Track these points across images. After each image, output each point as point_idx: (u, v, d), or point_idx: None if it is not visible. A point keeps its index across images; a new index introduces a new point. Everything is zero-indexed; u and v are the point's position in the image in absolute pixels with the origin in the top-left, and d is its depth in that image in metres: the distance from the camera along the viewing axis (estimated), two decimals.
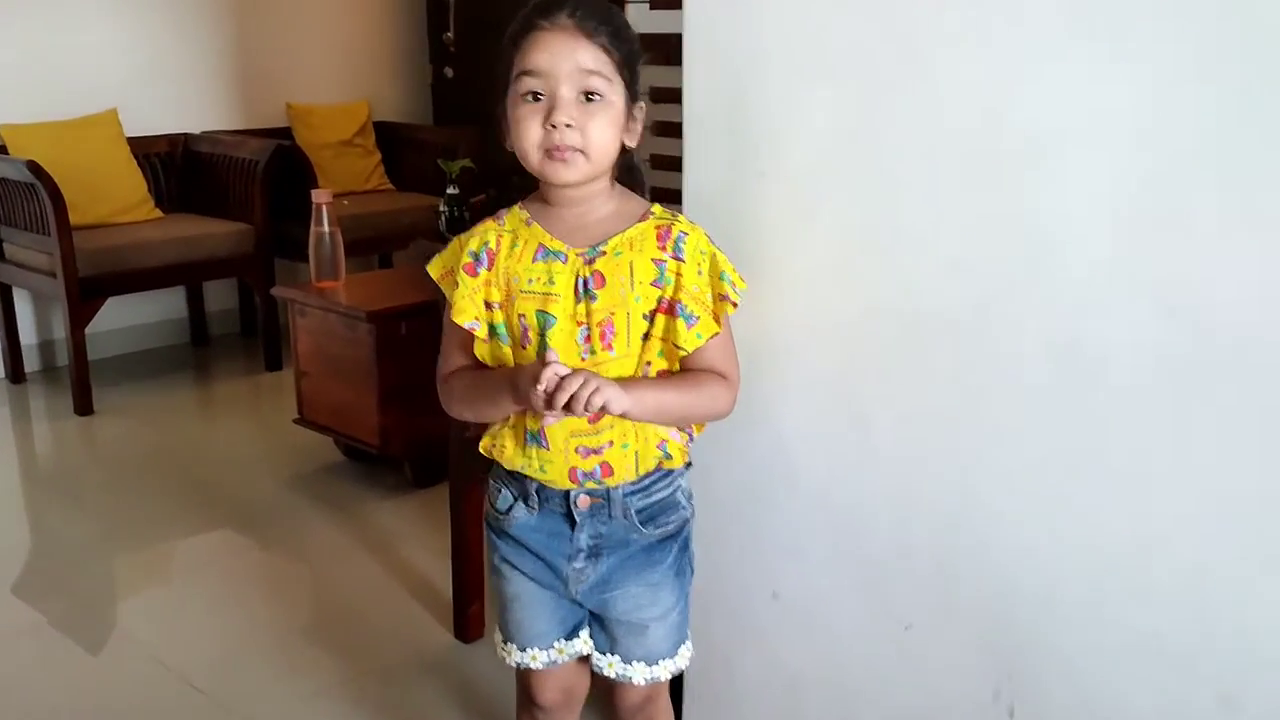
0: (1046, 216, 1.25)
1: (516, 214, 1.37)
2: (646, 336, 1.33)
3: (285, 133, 4.60)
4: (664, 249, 1.32)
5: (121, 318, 4.25)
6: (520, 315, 1.32)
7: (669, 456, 1.39)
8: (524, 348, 1.33)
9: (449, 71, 5.11)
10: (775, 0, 1.43)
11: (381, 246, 4.65)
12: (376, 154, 4.86)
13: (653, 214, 1.35)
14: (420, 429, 2.95)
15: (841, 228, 1.42)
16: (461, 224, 3.24)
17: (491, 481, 1.46)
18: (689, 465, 1.44)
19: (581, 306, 1.31)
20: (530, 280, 1.32)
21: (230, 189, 4.17)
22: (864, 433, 1.45)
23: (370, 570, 2.61)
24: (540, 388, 1.21)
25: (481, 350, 1.37)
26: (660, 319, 1.33)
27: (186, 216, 4.21)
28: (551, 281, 1.31)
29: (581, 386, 1.20)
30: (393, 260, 4.92)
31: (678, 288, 1.32)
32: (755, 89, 1.47)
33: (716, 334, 1.34)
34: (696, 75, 1.54)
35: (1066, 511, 1.29)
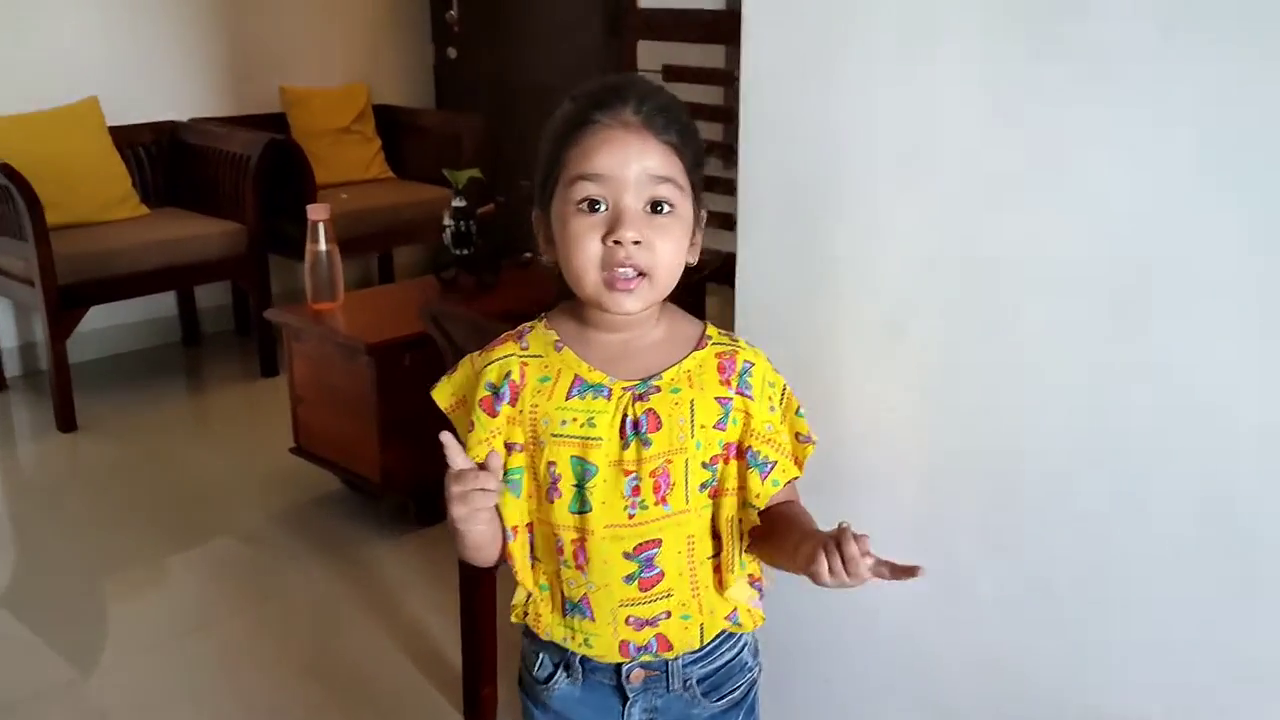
0: (1187, 359, 1.03)
1: (542, 335, 1.15)
2: (704, 486, 1.12)
3: (279, 119, 4.34)
4: (728, 384, 1.11)
5: (107, 317, 4.00)
6: (550, 463, 1.11)
7: (738, 624, 1.19)
8: (550, 500, 1.12)
9: (452, 52, 4.84)
10: (852, 69, 1.20)
11: (383, 243, 4.42)
12: (376, 141, 4.60)
13: (710, 339, 1.14)
14: (424, 465, 2.71)
15: (936, 347, 1.20)
16: (468, 239, 3.00)
17: (527, 641, 1.24)
18: None
19: (630, 452, 1.09)
20: (564, 422, 1.10)
21: (220, 184, 3.91)
22: (955, 586, 1.24)
23: (371, 632, 2.41)
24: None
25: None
26: (731, 469, 1.12)
27: (174, 212, 3.97)
28: (592, 423, 1.10)
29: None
30: (393, 258, 4.69)
31: (747, 430, 1.11)
32: (826, 173, 1.24)
33: (797, 478, 1.13)
34: (754, 156, 1.30)
35: (1205, 709, 1.09)
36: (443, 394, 1.18)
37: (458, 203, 2.99)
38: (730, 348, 1.13)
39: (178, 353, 4.24)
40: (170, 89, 4.17)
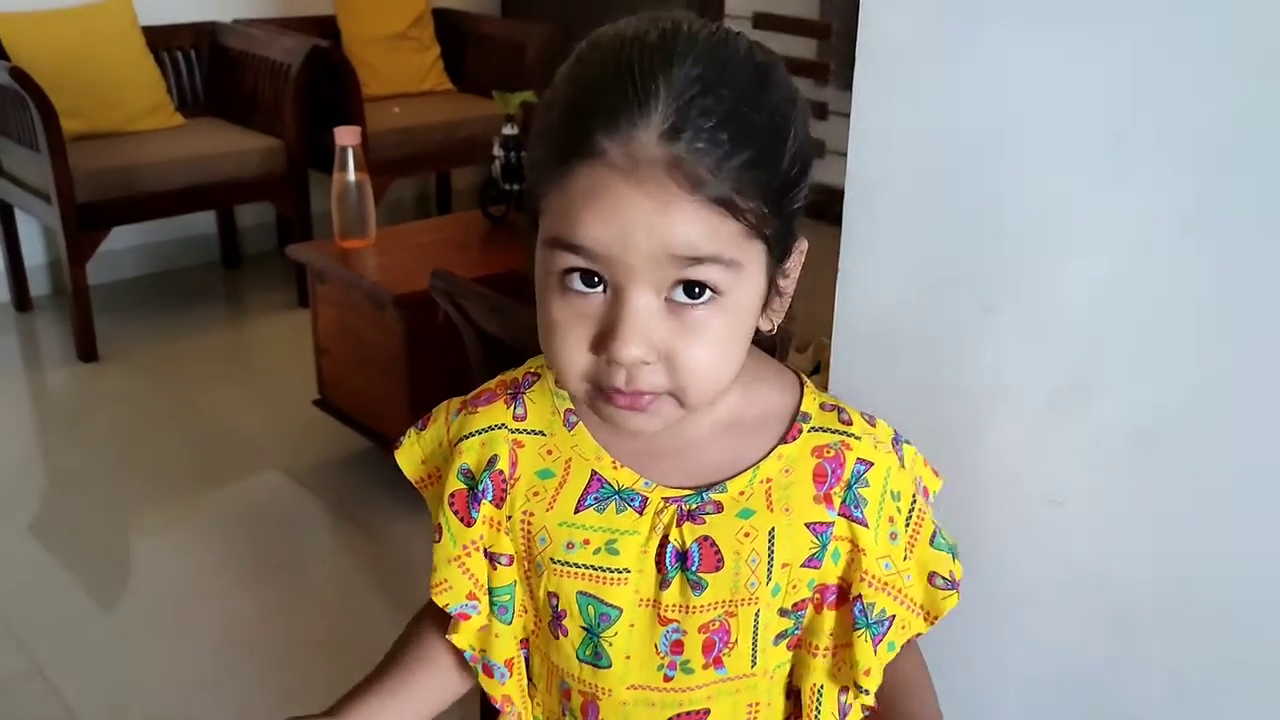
0: None
1: (547, 396, 0.78)
2: (781, 638, 0.76)
3: (329, 23, 3.96)
4: (828, 500, 0.73)
5: (142, 234, 3.72)
6: (551, 595, 0.75)
7: None
8: (555, 636, 0.77)
9: None
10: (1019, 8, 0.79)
11: (437, 163, 4.06)
12: (435, 48, 4.20)
13: (806, 419, 0.75)
14: None
15: (1133, 426, 0.81)
16: (519, 173, 2.63)
17: None
18: None
19: (672, 593, 0.73)
20: (571, 545, 0.74)
21: (260, 95, 3.57)
22: None
23: (386, 618, 2.11)
24: None
25: (471, 639, 0.80)
26: (827, 621, 0.75)
27: (211, 123, 3.64)
28: (614, 548, 0.73)
29: None
30: (452, 180, 4.33)
31: (854, 569, 0.74)
32: (976, 160, 0.83)
33: (920, 635, 0.76)
34: (871, 131, 0.89)
35: None
36: (409, 458, 0.82)
37: (508, 130, 2.61)
38: (838, 438, 0.75)
39: (215, 275, 3.94)
40: None
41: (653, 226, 0.61)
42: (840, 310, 0.92)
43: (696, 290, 0.64)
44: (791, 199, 0.66)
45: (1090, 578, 0.86)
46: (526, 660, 0.82)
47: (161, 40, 3.61)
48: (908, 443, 0.79)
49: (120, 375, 3.14)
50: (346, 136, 2.49)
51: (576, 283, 0.65)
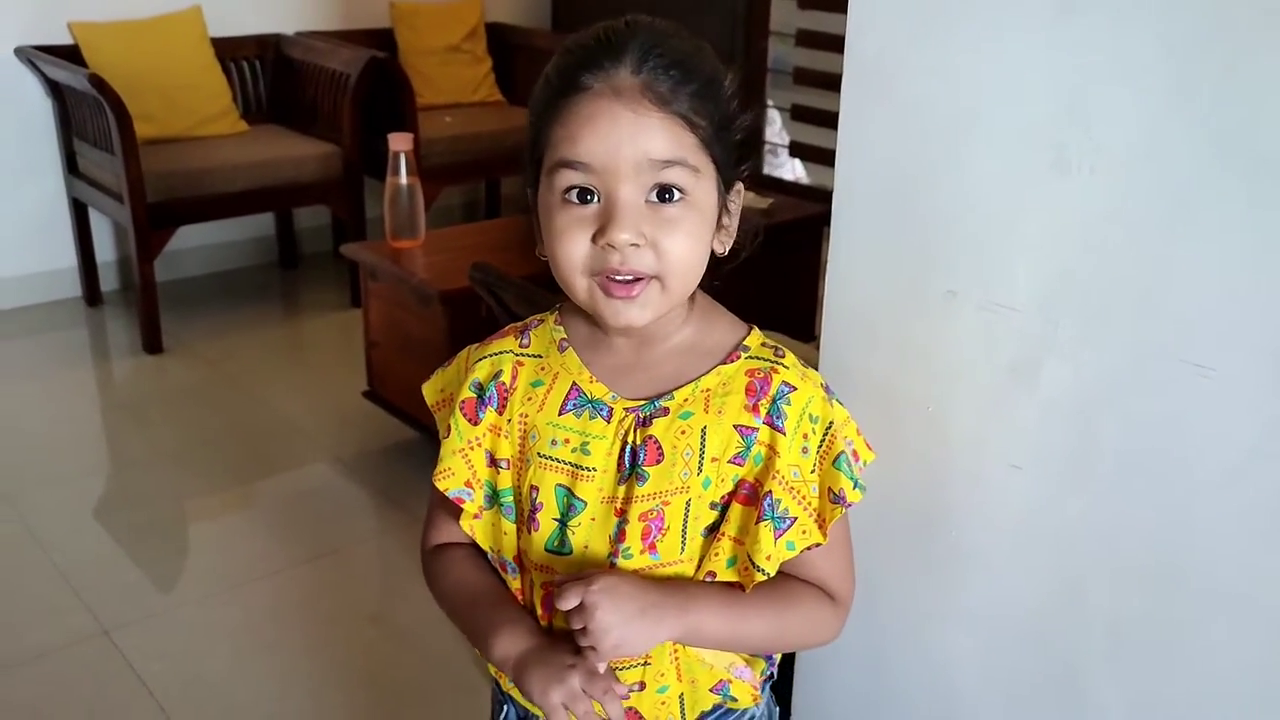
0: None
1: (548, 331, 0.95)
2: (712, 530, 0.89)
3: (387, 35, 4.14)
4: (755, 410, 0.87)
5: (205, 235, 3.92)
6: (533, 488, 0.90)
7: (733, 699, 0.96)
8: (530, 532, 0.91)
9: None
10: (987, 24, 0.89)
11: (487, 172, 4.21)
12: (487, 61, 4.37)
13: (746, 350, 0.90)
14: None
15: (1073, 400, 0.91)
16: None
17: (494, 688, 1.04)
18: (770, 678, 1.00)
19: (623, 488, 0.88)
20: (554, 442, 0.90)
21: (320, 103, 3.74)
22: (1076, 706, 0.97)
23: (426, 603, 2.24)
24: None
25: (476, 529, 0.94)
26: (736, 511, 0.88)
27: (274, 130, 3.82)
28: (586, 449, 0.88)
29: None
30: (501, 188, 4.48)
31: (769, 470, 0.87)
32: (946, 163, 0.94)
33: (818, 546, 0.88)
34: (856, 137, 1.00)
35: None
36: (431, 389, 1.00)
37: None
38: (767, 364, 0.89)
39: (273, 275, 4.13)
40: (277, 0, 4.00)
41: (635, 136, 0.80)
42: (829, 294, 1.04)
43: (668, 194, 0.82)
44: (731, 131, 0.85)
45: (1044, 536, 0.96)
46: None
47: (229, 51, 3.80)
48: (841, 403, 0.90)
49: (183, 367, 3.32)
50: (399, 142, 2.64)
51: (575, 197, 0.82)
